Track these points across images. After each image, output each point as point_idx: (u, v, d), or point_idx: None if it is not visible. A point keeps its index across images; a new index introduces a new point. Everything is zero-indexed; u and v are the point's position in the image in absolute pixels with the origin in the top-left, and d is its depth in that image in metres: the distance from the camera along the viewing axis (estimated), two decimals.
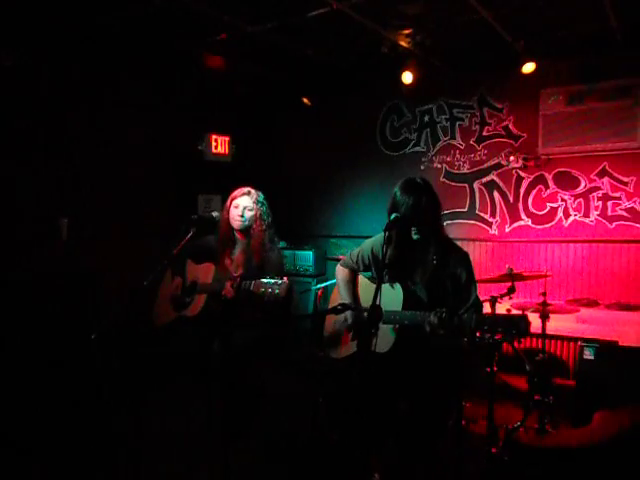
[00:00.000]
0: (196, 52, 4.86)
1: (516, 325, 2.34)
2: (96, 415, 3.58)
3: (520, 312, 2.96)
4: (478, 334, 3.27)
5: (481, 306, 2.72)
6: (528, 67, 4.62)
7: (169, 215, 4.98)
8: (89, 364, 3.71)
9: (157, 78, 4.97)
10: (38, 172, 4.19)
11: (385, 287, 2.70)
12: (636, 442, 2.88)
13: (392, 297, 2.68)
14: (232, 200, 3.43)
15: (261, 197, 3.45)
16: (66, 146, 4.35)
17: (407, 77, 4.96)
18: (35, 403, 3.56)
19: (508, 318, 2.43)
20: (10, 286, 3.84)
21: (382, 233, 2.63)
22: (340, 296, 3.02)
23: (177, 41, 4.56)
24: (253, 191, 3.44)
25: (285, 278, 2.89)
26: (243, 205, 3.39)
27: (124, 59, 4.65)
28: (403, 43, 4.47)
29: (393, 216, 2.52)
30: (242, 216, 3.38)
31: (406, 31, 4.29)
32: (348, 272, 3.05)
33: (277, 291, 2.82)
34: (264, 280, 2.87)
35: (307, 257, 5.58)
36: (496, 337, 3.25)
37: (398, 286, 2.70)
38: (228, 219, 3.43)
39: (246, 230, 3.42)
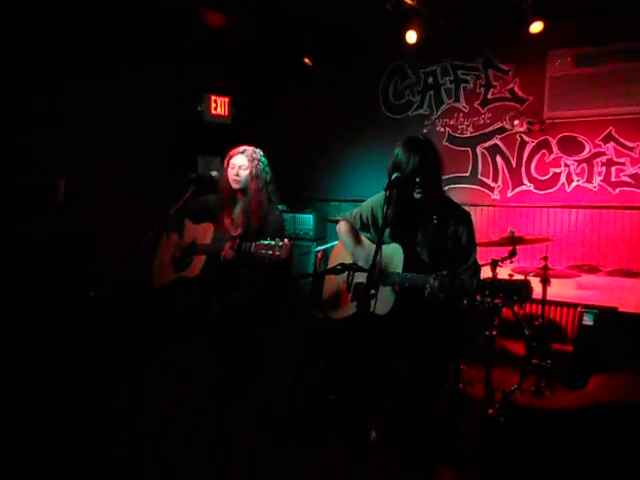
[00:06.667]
0: (195, 9, 4.72)
1: (518, 291, 2.31)
2: (96, 376, 3.60)
3: (523, 277, 2.94)
4: (478, 297, 3.27)
5: (479, 268, 2.69)
6: (536, 27, 4.48)
7: (168, 176, 4.91)
8: (88, 324, 3.71)
9: (155, 36, 4.83)
10: (34, 133, 4.11)
11: (386, 247, 2.68)
12: (630, 406, 2.91)
13: (393, 258, 2.66)
14: (229, 159, 3.42)
15: (257, 154, 3.42)
16: (63, 107, 4.26)
17: (411, 36, 4.83)
18: (34, 365, 3.58)
19: (510, 283, 2.40)
20: (7, 248, 3.82)
21: (382, 193, 2.59)
22: (344, 244, 2.99)
23: None
24: (249, 149, 3.41)
25: (286, 240, 2.87)
26: (238, 164, 3.37)
27: (120, 17, 4.51)
28: (407, 0, 4.33)
29: (394, 175, 2.46)
30: (237, 175, 3.36)
31: None
32: (350, 225, 3.02)
33: (278, 253, 2.80)
34: (265, 242, 2.84)
35: (307, 220, 5.55)
36: (496, 301, 3.24)
37: (399, 247, 2.67)
38: (228, 179, 3.41)
39: (244, 189, 3.40)
